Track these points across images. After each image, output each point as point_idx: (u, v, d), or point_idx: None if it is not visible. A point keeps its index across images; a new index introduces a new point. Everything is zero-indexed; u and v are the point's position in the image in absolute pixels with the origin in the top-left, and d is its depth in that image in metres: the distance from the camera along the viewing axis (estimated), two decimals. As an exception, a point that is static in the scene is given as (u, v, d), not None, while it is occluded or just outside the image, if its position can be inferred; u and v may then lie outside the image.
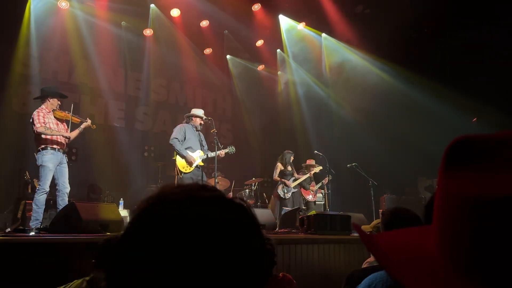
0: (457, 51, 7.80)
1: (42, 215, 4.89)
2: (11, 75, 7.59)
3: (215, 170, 6.44)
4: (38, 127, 4.97)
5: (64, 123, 5.35)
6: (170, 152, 6.40)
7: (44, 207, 4.94)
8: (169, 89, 10.26)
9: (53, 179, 5.05)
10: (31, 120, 5.05)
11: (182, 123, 6.39)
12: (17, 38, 7.65)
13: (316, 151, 7.98)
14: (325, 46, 10.19)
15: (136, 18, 8.73)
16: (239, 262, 0.54)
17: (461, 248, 0.46)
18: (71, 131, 5.31)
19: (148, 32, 9.07)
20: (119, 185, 8.07)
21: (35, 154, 5.10)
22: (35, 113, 5.08)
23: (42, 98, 5.25)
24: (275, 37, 9.93)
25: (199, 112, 6.37)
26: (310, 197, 7.87)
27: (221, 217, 0.55)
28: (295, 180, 7.54)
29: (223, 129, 10.83)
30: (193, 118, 6.31)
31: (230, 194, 8.11)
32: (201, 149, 6.15)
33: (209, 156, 6.10)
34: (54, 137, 5.08)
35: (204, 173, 6.25)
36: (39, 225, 4.68)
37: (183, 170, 5.96)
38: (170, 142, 6.03)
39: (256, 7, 9.19)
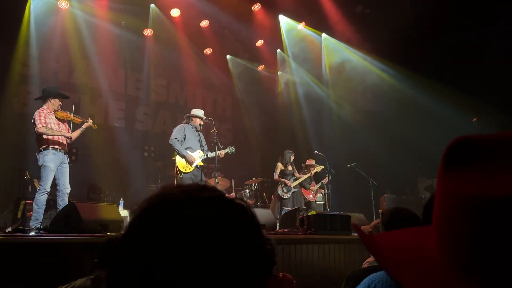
0: (457, 51, 7.80)
1: (42, 215, 4.90)
2: (11, 75, 7.59)
3: (215, 170, 6.44)
4: (40, 127, 4.97)
5: (66, 123, 5.36)
6: (170, 152, 6.40)
7: (44, 207, 4.95)
8: (169, 89, 10.26)
9: (54, 179, 5.05)
10: (32, 121, 5.06)
11: (182, 123, 6.40)
12: (17, 38, 7.65)
13: (316, 151, 7.98)
14: (325, 46, 10.19)
15: (136, 18, 8.73)
16: (239, 262, 0.54)
17: (461, 248, 0.46)
18: (72, 131, 5.31)
19: (148, 32, 9.07)
20: (119, 185, 8.07)
21: (36, 154, 5.10)
22: (36, 113, 5.08)
23: (44, 98, 5.25)
24: (275, 37, 9.93)
25: (199, 112, 6.37)
26: (311, 197, 7.87)
27: (221, 217, 0.55)
28: (296, 179, 7.55)
29: (223, 129, 10.83)
30: (193, 119, 6.32)
31: (233, 194, 8.13)
32: (201, 149, 6.15)
33: (209, 156, 6.10)
34: (56, 138, 5.09)
35: (203, 173, 6.26)
36: (39, 225, 4.68)
37: (183, 170, 5.96)
38: (170, 142, 6.04)
39: (256, 7, 9.19)
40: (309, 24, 9.89)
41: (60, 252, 2.99)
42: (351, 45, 9.63)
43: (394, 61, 8.89)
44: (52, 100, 5.21)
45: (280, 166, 7.58)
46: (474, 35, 7.53)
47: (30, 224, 4.85)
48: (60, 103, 5.29)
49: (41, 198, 4.89)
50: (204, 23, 9.31)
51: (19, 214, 5.92)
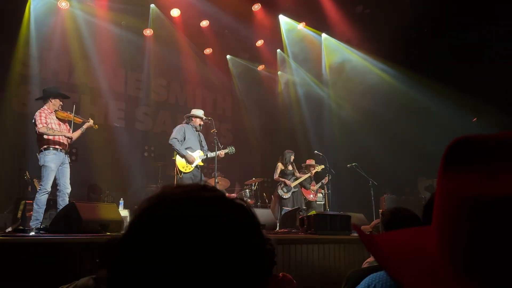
0: (457, 51, 7.80)
1: (42, 215, 4.90)
2: (11, 75, 7.59)
3: (215, 170, 6.44)
4: (40, 127, 4.98)
5: (66, 124, 5.37)
6: (170, 152, 6.41)
7: (45, 207, 4.95)
8: (169, 89, 10.26)
9: (54, 179, 5.05)
10: (33, 121, 5.07)
11: (182, 123, 6.40)
12: (17, 38, 7.65)
13: (316, 151, 7.99)
14: (325, 46, 10.19)
15: (136, 18, 8.72)
16: (239, 262, 0.54)
17: (461, 248, 0.46)
18: (73, 131, 5.32)
19: (148, 32, 9.07)
20: (119, 185, 8.07)
21: (37, 154, 5.10)
22: (37, 113, 5.08)
23: (44, 98, 5.25)
24: (275, 37, 9.93)
25: (199, 112, 6.38)
26: (311, 197, 7.88)
27: (221, 217, 0.55)
28: (296, 179, 7.55)
29: (223, 129, 10.83)
30: (193, 119, 6.32)
31: (234, 195, 8.13)
32: (201, 149, 6.16)
33: (208, 156, 6.11)
34: (56, 138, 5.09)
35: (202, 174, 6.27)
36: (39, 225, 4.68)
37: (183, 170, 5.97)
38: (170, 142, 6.05)
39: (256, 7, 9.19)
40: (309, 24, 9.89)
41: (60, 252, 2.99)
42: (351, 45, 9.63)
43: (394, 61, 8.89)
44: (52, 100, 5.22)
45: (280, 166, 7.58)
46: (474, 35, 7.53)
47: (30, 224, 4.85)
48: (61, 103, 5.29)
49: (42, 198, 4.89)
50: (204, 23, 9.31)
51: (19, 214, 5.92)
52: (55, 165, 5.01)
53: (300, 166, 7.92)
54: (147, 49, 9.31)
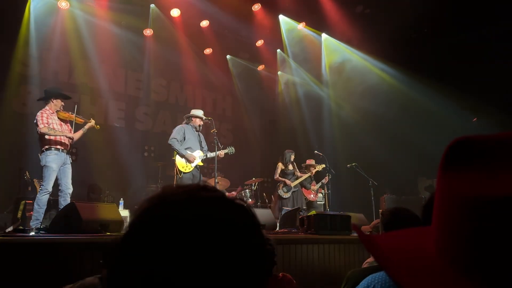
0: (457, 51, 7.80)
1: (43, 215, 4.90)
2: (11, 75, 7.59)
3: (215, 170, 6.44)
4: (42, 127, 4.98)
5: (68, 124, 5.37)
6: (170, 152, 6.41)
7: (45, 207, 4.95)
8: (169, 89, 10.26)
9: (56, 179, 5.06)
10: (35, 121, 5.08)
11: (182, 123, 6.41)
12: (17, 38, 7.65)
13: (316, 151, 7.99)
14: (325, 46, 10.19)
15: (136, 18, 8.72)
16: (240, 262, 0.54)
17: (461, 248, 0.46)
18: (74, 131, 5.32)
19: (148, 32, 9.07)
20: (119, 185, 8.07)
21: (39, 154, 5.11)
22: (38, 114, 5.09)
23: (46, 99, 5.26)
24: (275, 37, 9.93)
25: (199, 112, 6.38)
26: (311, 196, 7.88)
27: (221, 218, 0.56)
28: (297, 178, 7.55)
29: (223, 129, 10.83)
30: (192, 119, 6.33)
31: (234, 193, 8.14)
32: (201, 150, 6.17)
33: (208, 156, 6.12)
34: (58, 138, 5.10)
35: (201, 174, 6.27)
36: (39, 225, 4.69)
37: (183, 170, 5.98)
38: (169, 142, 6.07)
39: (256, 7, 9.19)
40: (309, 24, 9.89)
41: (60, 252, 2.99)
42: (351, 45, 9.63)
43: (394, 61, 8.89)
44: (54, 101, 5.23)
45: (280, 165, 7.59)
46: (474, 35, 7.53)
47: (31, 224, 4.86)
48: (62, 103, 5.30)
49: (43, 198, 4.89)
50: (204, 23, 9.31)
51: (19, 214, 5.92)
52: (57, 166, 5.02)
53: (300, 166, 7.92)
54: (147, 49, 9.31)
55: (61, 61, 8.49)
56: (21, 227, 4.51)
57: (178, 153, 6.00)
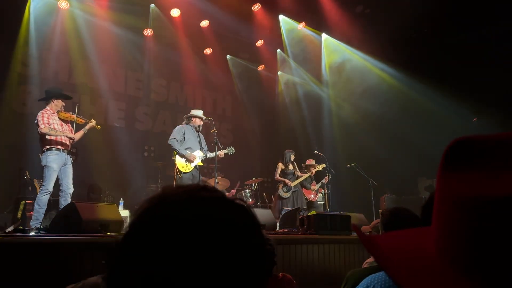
0: (457, 51, 7.80)
1: (43, 215, 4.90)
2: (11, 75, 7.59)
3: (215, 170, 6.44)
4: (43, 128, 4.99)
5: (69, 124, 5.38)
6: (170, 152, 6.41)
7: (46, 207, 4.95)
8: (169, 89, 10.26)
9: (57, 179, 5.06)
10: (35, 121, 5.09)
11: (182, 124, 6.41)
12: (17, 38, 7.65)
13: (316, 151, 7.99)
14: (325, 46, 10.19)
15: (136, 18, 8.73)
16: (240, 262, 0.54)
17: (461, 249, 0.46)
18: (75, 132, 5.32)
19: (148, 32, 9.07)
20: (119, 185, 8.07)
21: (39, 155, 5.11)
22: (39, 114, 5.10)
23: (47, 99, 5.26)
24: (275, 37, 9.93)
25: (199, 112, 6.38)
26: (312, 197, 7.87)
27: (221, 218, 0.56)
28: (297, 178, 7.55)
29: (223, 129, 10.83)
30: (192, 119, 6.33)
31: (233, 191, 8.13)
32: (201, 150, 6.17)
33: (208, 156, 6.12)
34: (59, 138, 5.10)
35: (200, 174, 6.27)
36: (39, 225, 4.69)
37: (183, 170, 5.98)
38: (169, 142, 6.08)
39: (256, 7, 9.19)
40: (309, 24, 9.89)
41: (60, 252, 2.99)
42: (351, 45, 9.63)
43: (394, 61, 8.89)
44: (55, 101, 5.23)
45: (280, 165, 7.59)
46: (474, 35, 7.53)
47: (31, 224, 4.86)
48: (63, 103, 5.31)
49: (43, 198, 4.90)
50: (204, 23, 9.32)
51: (19, 214, 5.92)
52: (57, 166, 5.03)
53: (300, 166, 7.92)
54: (147, 49, 9.32)
55: (61, 61, 8.49)
56: (21, 227, 4.51)
57: (178, 153, 6.00)
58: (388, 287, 1.53)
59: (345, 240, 4.49)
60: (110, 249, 0.56)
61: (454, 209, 0.47)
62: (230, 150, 6.26)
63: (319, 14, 9.09)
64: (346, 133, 9.47)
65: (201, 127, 6.40)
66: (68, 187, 5.11)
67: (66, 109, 5.38)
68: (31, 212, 5.10)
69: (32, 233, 3.93)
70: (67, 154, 5.18)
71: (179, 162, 6.01)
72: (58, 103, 5.24)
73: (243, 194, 8.04)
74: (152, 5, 8.76)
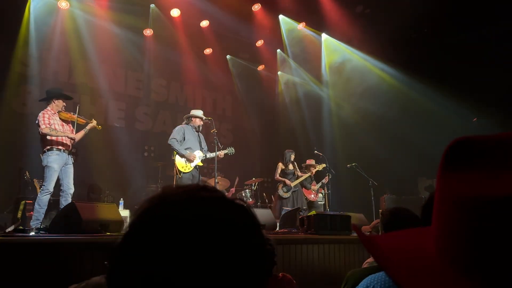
0: (457, 51, 7.80)
1: (43, 215, 4.91)
2: (11, 75, 7.59)
3: (215, 170, 6.44)
4: (43, 128, 4.99)
5: (70, 124, 5.38)
6: (170, 152, 6.42)
7: (46, 207, 4.95)
8: (169, 89, 10.26)
9: (57, 179, 5.06)
10: (36, 122, 5.09)
11: (182, 124, 6.41)
12: (17, 38, 7.65)
13: (316, 151, 7.99)
14: (325, 46, 10.19)
15: (136, 18, 8.73)
16: (240, 262, 0.54)
17: (461, 249, 0.46)
18: (76, 132, 5.33)
19: (148, 32, 9.07)
20: (119, 185, 8.07)
21: (40, 155, 5.12)
22: (40, 114, 5.10)
23: (47, 99, 5.27)
24: (275, 37, 9.93)
25: (198, 112, 6.38)
26: (312, 196, 7.87)
27: (221, 218, 0.56)
28: (297, 178, 7.55)
29: (223, 129, 10.83)
30: (192, 119, 6.33)
31: (233, 190, 8.12)
32: (201, 150, 6.17)
33: (207, 156, 6.12)
34: (60, 138, 5.11)
35: (200, 174, 6.28)
36: (39, 225, 4.69)
37: (182, 170, 5.98)
38: (169, 142, 6.08)
39: (256, 7, 9.19)
40: (309, 24, 9.89)
41: (60, 252, 2.99)
42: (351, 45, 9.63)
43: (394, 61, 8.89)
44: (55, 101, 5.24)
45: (280, 165, 7.59)
46: (474, 35, 7.53)
47: (31, 224, 4.86)
48: (64, 104, 5.31)
49: (44, 198, 4.90)
50: (204, 23, 9.32)
51: (19, 214, 5.92)
52: (58, 166, 5.03)
53: (300, 166, 7.92)
54: (147, 49, 9.32)
55: (61, 61, 8.49)
56: (21, 227, 4.51)
57: (177, 153, 6.01)
58: (388, 287, 1.53)
59: (345, 240, 4.49)
60: (111, 249, 0.56)
61: (454, 209, 0.47)
62: (230, 150, 6.26)
63: (319, 14, 9.09)
64: (346, 133, 9.47)
65: (201, 127, 6.40)
66: (69, 187, 5.11)
67: (67, 109, 5.39)
68: (31, 212, 5.10)
69: (32, 233, 3.93)
70: (68, 154, 5.19)
71: (179, 162, 6.01)
72: (59, 103, 5.24)
73: (243, 194, 8.04)
74: (152, 5, 8.76)
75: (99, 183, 7.57)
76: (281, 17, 9.73)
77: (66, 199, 5.04)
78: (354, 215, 5.19)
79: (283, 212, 6.80)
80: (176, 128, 6.30)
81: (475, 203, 0.45)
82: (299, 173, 7.65)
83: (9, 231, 4.16)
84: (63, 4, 8.00)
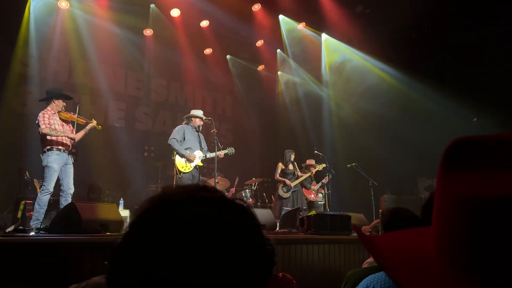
0: (457, 51, 7.80)
1: (43, 215, 4.91)
2: (11, 75, 7.59)
3: (215, 170, 6.44)
4: (43, 128, 4.99)
5: (70, 124, 5.38)
6: (170, 152, 6.42)
7: (46, 207, 4.95)
8: (169, 89, 10.26)
9: (57, 179, 5.06)
10: (36, 122, 5.09)
11: (182, 124, 6.41)
12: (17, 38, 7.65)
13: (316, 151, 7.99)
14: (325, 46, 10.19)
15: (136, 18, 8.72)
16: (240, 262, 0.54)
17: (461, 249, 0.46)
18: (76, 132, 5.33)
19: (148, 32, 9.07)
20: (119, 185, 8.07)
21: (40, 155, 5.12)
22: (40, 114, 5.11)
23: (47, 99, 5.27)
24: (275, 37, 9.93)
25: (198, 112, 6.38)
26: (312, 197, 7.87)
27: (221, 218, 0.56)
28: (297, 178, 7.55)
29: (223, 129, 10.83)
30: (192, 119, 6.33)
31: (233, 190, 8.12)
32: (201, 150, 6.17)
33: (207, 156, 6.12)
34: (60, 138, 5.11)
35: (200, 174, 6.28)
36: (39, 225, 4.69)
37: (182, 170, 5.98)
38: (169, 142, 6.08)
39: (256, 7, 9.19)
40: (309, 24, 9.89)
41: (60, 252, 2.99)
42: (351, 45, 9.63)
43: (394, 61, 8.89)
44: (55, 101, 5.24)
45: (280, 165, 7.59)
46: (474, 35, 7.53)
47: (31, 224, 4.86)
48: (64, 104, 5.31)
49: (44, 198, 4.90)
50: (204, 23, 9.32)
51: (19, 214, 5.92)
52: (58, 166, 5.03)
53: (300, 166, 7.92)
54: (147, 49, 9.32)
55: (61, 61, 8.49)
56: (21, 227, 4.50)
57: (177, 153, 6.01)
58: (388, 287, 1.53)
59: (345, 240, 4.49)
60: (111, 249, 0.56)
61: (454, 209, 0.47)
62: (230, 150, 6.26)
63: (319, 14, 9.09)
64: (346, 133, 9.47)
65: (201, 127, 6.40)
66: (69, 187, 5.11)
67: (67, 109, 5.39)
68: (31, 212, 5.10)
69: (32, 233, 3.93)
70: (68, 154, 5.19)
71: (179, 162, 6.01)
72: (59, 103, 5.24)
73: (243, 194, 8.04)
74: (152, 5, 8.76)
75: (99, 183, 7.57)
76: (281, 17, 9.73)
77: (66, 199, 5.04)
78: (354, 215, 5.19)
79: (283, 212, 6.80)
80: (176, 128, 6.30)
81: (475, 203, 0.45)
82: (299, 173, 7.65)
83: (9, 231, 4.16)
84: (63, 4, 8.00)
